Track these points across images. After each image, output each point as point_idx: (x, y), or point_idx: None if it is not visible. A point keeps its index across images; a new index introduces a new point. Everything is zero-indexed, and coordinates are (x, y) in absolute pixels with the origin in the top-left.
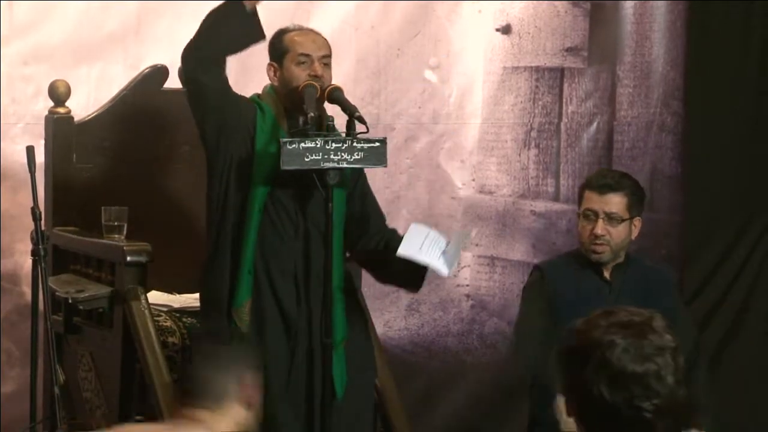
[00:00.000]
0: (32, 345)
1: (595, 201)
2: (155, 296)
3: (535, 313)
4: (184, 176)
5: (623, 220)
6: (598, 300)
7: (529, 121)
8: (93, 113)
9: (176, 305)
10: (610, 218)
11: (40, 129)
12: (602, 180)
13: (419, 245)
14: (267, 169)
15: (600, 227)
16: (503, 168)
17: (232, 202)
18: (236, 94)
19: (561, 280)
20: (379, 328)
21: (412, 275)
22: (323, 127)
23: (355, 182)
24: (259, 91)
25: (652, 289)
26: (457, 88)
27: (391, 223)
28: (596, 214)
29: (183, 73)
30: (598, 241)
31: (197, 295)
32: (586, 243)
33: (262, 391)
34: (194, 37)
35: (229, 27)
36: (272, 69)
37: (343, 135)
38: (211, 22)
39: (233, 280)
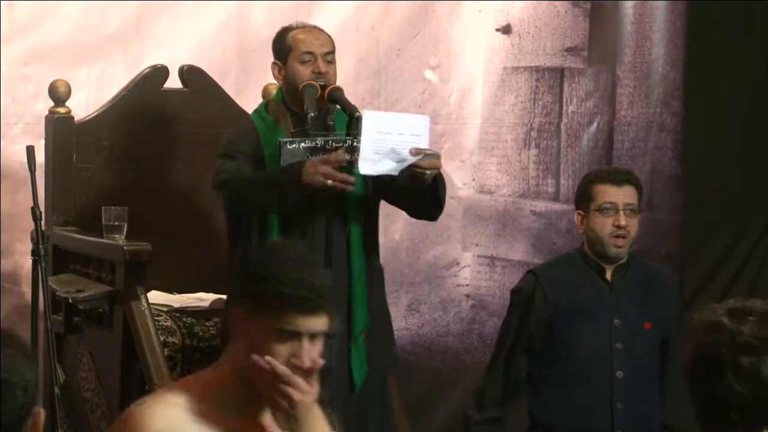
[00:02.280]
0: (32, 345)
1: (613, 194)
2: (155, 296)
3: (522, 331)
4: (183, 176)
5: (639, 213)
6: (598, 301)
7: (529, 121)
8: (93, 113)
9: (176, 305)
10: (630, 210)
11: (40, 129)
12: (617, 173)
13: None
14: None
15: (623, 218)
16: (503, 168)
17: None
18: (245, 156)
19: (558, 284)
20: None
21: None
22: (327, 125)
23: None
24: (260, 91)
25: (653, 289)
26: (457, 88)
27: (391, 223)
28: (616, 207)
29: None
30: (620, 233)
31: (197, 294)
32: (605, 237)
33: None
34: (241, 195)
35: (279, 201)
36: (276, 68)
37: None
38: (266, 196)
39: None
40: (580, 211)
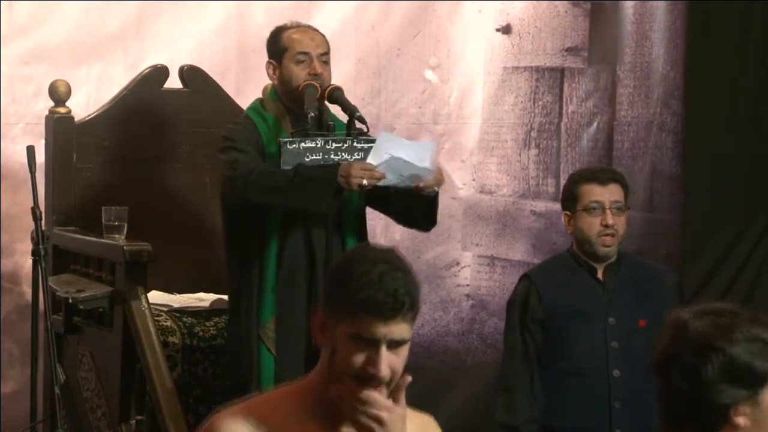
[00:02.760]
0: (32, 345)
1: (598, 193)
2: (155, 296)
3: (524, 348)
4: (183, 176)
5: (626, 210)
6: (592, 301)
7: (530, 121)
8: (93, 113)
9: (176, 305)
10: (617, 208)
11: (41, 129)
12: (602, 173)
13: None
14: None
15: (610, 217)
16: (503, 168)
17: (253, 225)
18: (252, 148)
19: (552, 285)
20: None
21: (417, 203)
22: (323, 126)
23: None
24: (260, 92)
25: (645, 287)
26: (457, 88)
27: (391, 223)
28: (602, 206)
29: (228, 191)
30: (608, 232)
31: (197, 295)
32: (593, 237)
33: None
34: (261, 192)
35: (308, 200)
36: (271, 67)
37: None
38: (295, 195)
39: (258, 299)
40: (567, 212)
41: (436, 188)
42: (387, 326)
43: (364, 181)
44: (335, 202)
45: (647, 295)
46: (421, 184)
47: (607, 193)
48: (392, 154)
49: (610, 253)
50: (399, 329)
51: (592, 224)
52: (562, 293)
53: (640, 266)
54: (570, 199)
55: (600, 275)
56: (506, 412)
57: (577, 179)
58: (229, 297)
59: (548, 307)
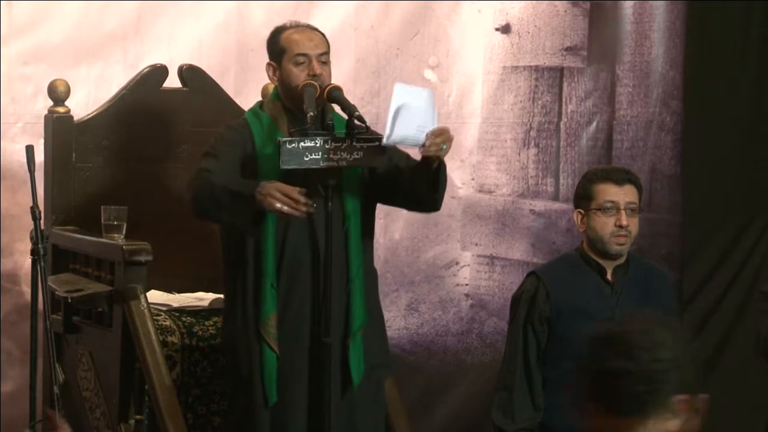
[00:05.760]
0: (32, 344)
1: (614, 192)
2: (154, 296)
3: (530, 346)
4: (183, 175)
5: (639, 212)
6: (600, 302)
7: (529, 120)
8: (92, 113)
9: (175, 305)
10: (631, 209)
11: (40, 128)
12: (618, 172)
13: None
14: (271, 174)
15: (624, 218)
16: (503, 167)
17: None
18: (231, 153)
19: (560, 284)
20: None
21: (423, 184)
22: (323, 125)
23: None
24: (259, 91)
25: (653, 289)
26: (456, 88)
27: (391, 222)
28: (617, 206)
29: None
30: (622, 233)
31: (197, 294)
32: (606, 236)
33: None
34: (202, 204)
35: (233, 214)
36: (271, 68)
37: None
38: (221, 207)
39: (257, 295)
40: (580, 210)
41: (444, 147)
42: None
43: (285, 208)
44: (256, 226)
45: (654, 296)
46: (427, 143)
47: (623, 194)
48: (407, 104)
49: (623, 251)
50: None
51: (605, 224)
52: (569, 292)
53: (647, 268)
54: (584, 197)
55: (609, 276)
56: (501, 413)
57: (593, 178)
58: (224, 295)
59: (555, 306)
